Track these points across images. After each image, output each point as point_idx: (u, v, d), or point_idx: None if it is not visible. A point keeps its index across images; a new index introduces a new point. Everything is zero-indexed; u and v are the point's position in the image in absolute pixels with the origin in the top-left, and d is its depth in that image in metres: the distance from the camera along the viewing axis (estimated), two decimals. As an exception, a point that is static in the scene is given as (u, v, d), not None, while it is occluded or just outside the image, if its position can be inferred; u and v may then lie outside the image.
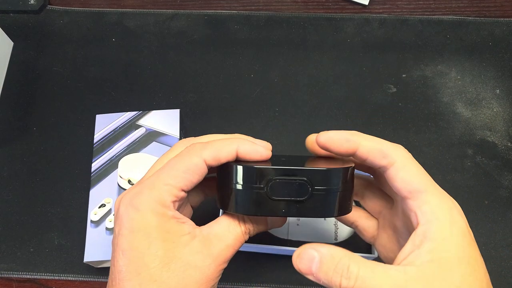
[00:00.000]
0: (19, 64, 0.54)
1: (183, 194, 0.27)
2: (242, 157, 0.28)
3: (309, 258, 0.26)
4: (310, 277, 0.26)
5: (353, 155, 0.28)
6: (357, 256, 0.25)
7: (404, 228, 0.29)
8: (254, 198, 0.26)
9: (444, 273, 0.23)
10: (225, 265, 0.28)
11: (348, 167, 0.27)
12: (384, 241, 0.31)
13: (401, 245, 0.27)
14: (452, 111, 0.50)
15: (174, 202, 0.27)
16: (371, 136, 0.28)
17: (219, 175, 0.29)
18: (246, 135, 0.50)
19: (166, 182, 0.27)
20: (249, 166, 0.27)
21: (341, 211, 0.27)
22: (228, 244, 0.28)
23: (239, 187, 0.27)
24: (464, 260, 0.24)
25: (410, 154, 0.27)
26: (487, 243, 0.44)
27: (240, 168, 0.27)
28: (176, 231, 0.26)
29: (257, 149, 0.28)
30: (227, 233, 0.28)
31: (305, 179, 0.26)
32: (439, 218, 0.24)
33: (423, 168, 0.27)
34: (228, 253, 0.28)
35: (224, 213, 0.29)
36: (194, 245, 0.27)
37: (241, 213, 0.27)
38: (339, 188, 0.27)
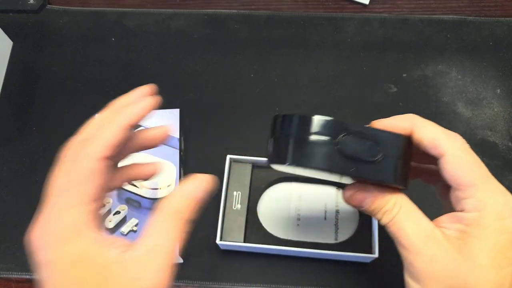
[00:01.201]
0: (18, 64, 0.53)
1: (95, 205, 0.24)
2: (136, 123, 0.27)
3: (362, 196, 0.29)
4: (358, 208, 0.29)
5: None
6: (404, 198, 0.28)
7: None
8: (324, 152, 0.25)
9: (466, 249, 0.25)
10: (172, 272, 0.25)
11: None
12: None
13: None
14: (452, 110, 0.50)
15: (89, 221, 0.24)
16: (427, 122, 0.28)
17: (277, 125, 0.28)
18: (246, 135, 0.50)
19: (70, 205, 0.24)
20: (327, 119, 0.25)
21: (402, 181, 0.27)
22: (167, 252, 0.25)
23: (312, 138, 0.25)
24: (493, 252, 0.25)
25: (466, 145, 0.28)
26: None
27: (315, 119, 0.25)
28: (101, 262, 0.23)
29: (142, 106, 0.28)
30: (165, 242, 0.25)
31: (377, 140, 0.26)
32: (482, 210, 0.26)
33: (478, 160, 0.27)
34: (171, 263, 0.25)
35: (156, 219, 0.26)
36: (126, 272, 0.23)
37: (309, 166, 0.26)
38: (406, 157, 0.27)
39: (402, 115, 0.29)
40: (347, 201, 0.30)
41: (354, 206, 0.30)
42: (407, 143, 0.28)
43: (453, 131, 0.36)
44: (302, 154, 0.25)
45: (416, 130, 0.28)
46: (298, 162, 0.26)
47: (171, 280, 0.25)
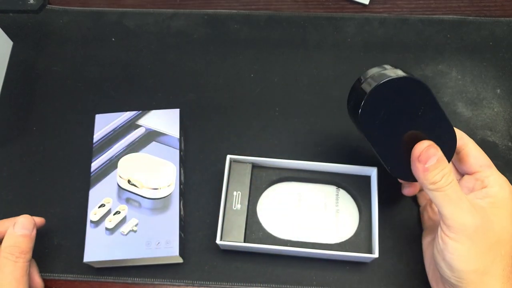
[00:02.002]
0: (18, 64, 0.54)
1: None
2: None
3: (430, 153, 0.34)
4: (419, 167, 0.34)
5: None
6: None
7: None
8: None
9: (497, 210, 0.35)
10: None
11: None
12: (434, 204, 0.39)
13: None
14: (452, 111, 0.50)
15: None
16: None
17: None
18: (246, 135, 0.50)
19: None
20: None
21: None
22: None
23: None
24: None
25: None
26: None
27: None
28: None
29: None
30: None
31: None
32: (501, 185, 0.37)
33: None
34: None
35: None
36: None
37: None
38: None
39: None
40: (417, 153, 0.35)
41: (415, 165, 0.35)
42: None
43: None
44: None
45: None
46: None
47: None
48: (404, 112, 0.35)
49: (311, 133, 0.49)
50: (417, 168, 0.35)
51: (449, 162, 0.35)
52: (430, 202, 0.43)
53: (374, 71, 0.37)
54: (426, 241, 0.41)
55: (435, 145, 0.35)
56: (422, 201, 0.44)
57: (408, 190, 0.42)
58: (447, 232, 0.34)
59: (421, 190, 0.43)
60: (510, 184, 0.37)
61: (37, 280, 0.41)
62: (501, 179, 0.37)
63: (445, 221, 0.34)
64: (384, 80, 0.34)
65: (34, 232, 0.38)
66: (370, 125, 0.35)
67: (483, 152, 0.39)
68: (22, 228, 0.38)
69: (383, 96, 0.34)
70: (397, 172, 0.37)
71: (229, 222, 0.42)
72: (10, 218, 0.39)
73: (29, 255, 0.38)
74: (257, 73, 0.52)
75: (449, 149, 0.36)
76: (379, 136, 0.36)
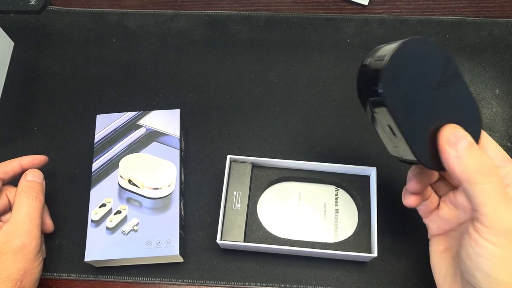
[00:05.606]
0: (19, 64, 0.54)
1: None
2: (26, 167, 0.43)
3: (460, 136, 0.29)
4: (451, 152, 0.29)
5: None
6: None
7: (463, 204, 0.35)
8: None
9: None
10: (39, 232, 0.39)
11: None
12: (443, 213, 0.37)
13: (458, 217, 0.35)
14: (451, 111, 0.50)
15: None
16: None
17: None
18: (246, 135, 0.50)
19: None
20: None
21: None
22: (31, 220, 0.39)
23: None
24: None
25: None
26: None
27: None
28: None
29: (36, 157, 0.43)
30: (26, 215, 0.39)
31: None
32: None
33: None
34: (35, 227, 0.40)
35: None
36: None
37: None
38: None
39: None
40: (446, 135, 0.30)
41: (445, 150, 0.30)
42: None
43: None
44: None
45: None
46: None
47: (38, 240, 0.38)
48: (427, 83, 0.30)
49: (311, 133, 0.49)
50: (448, 154, 0.29)
51: None
52: (437, 209, 0.37)
53: (379, 47, 0.32)
54: (437, 249, 0.36)
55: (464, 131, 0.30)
56: (424, 213, 0.38)
57: (410, 200, 0.36)
58: (486, 235, 0.28)
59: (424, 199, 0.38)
60: None
61: (48, 222, 0.43)
62: None
63: (484, 221, 0.28)
64: (404, 40, 0.29)
65: (44, 182, 0.42)
66: (394, 97, 0.29)
67: (499, 146, 0.33)
68: (33, 177, 0.41)
69: (404, 62, 0.29)
70: (424, 158, 0.31)
71: (229, 222, 0.42)
72: (15, 159, 0.43)
73: (42, 198, 0.41)
74: (257, 74, 0.53)
75: (474, 134, 0.30)
76: (405, 112, 0.30)
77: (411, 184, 0.35)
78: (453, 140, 0.29)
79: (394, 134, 0.31)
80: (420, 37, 0.30)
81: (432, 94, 0.30)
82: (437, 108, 0.30)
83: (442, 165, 0.30)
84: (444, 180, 0.37)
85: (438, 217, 0.37)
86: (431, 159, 0.30)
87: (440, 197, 0.38)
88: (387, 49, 0.30)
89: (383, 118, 0.31)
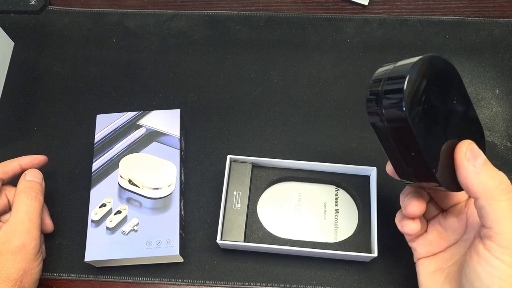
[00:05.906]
0: (20, 64, 0.54)
1: None
2: (25, 167, 0.43)
3: (476, 152, 0.29)
4: (468, 168, 0.28)
5: None
6: None
7: (454, 226, 0.35)
8: None
9: None
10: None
11: None
12: (432, 237, 0.36)
13: (448, 239, 0.35)
14: (451, 111, 0.50)
15: None
16: None
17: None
18: (246, 135, 0.50)
19: None
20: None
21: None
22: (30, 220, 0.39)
23: None
24: None
25: None
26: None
27: None
28: None
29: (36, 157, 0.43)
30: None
31: None
32: None
33: None
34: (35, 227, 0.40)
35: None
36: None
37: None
38: None
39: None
40: (463, 150, 0.29)
41: (463, 165, 0.29)
42: None
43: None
44: None
45: None
46: None
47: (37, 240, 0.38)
48: (441, 101, 0.30)
49: (310, 133, 0.49)
50: (467, 170, 0.28)
51: None
52: (426, 232, 0.37)
53: (388, 67, 0.31)
54: (427, 271, 0.36)
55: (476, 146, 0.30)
56: (412, 237, 0.37)
57: (412, 226, 0.35)
58: (500, 254, 0.28)
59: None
60: None
61: (48, 222, 0.43)
62: None
63: (498, 240, 0.28)
64: (422, 58, 0.29)
65: (43, 182, 0.42)
66: (416, 116, 0.28)
67: None
68: (33, 177, 0.41)
69: (423, 81, 0.29)
70: (443, 179, 0.30)
71: (229, 222, 0.42)
72: (14, 159, 0.43)
73: (42, 198, 0.41)
74: (257, 74, 0.53)
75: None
76: (424, 131, 0.29)
77: (412, 205, 0.34)
78: (470, 156, 0.29)
79: (409, 151, 0.30)
80: (436, 54, 0.30)
81: (444, 113, 0.30)
82: (448, 127, 0.30)
83: (455, 184, 0.30)
84: (433, 203, 0.37)
85: (427, 240, 0.36)
86: (446, 178, 0.30)
87: (427, 220, 0.37)
88: (404, 68, 0.29)
89: (398, 136, 0.30)
